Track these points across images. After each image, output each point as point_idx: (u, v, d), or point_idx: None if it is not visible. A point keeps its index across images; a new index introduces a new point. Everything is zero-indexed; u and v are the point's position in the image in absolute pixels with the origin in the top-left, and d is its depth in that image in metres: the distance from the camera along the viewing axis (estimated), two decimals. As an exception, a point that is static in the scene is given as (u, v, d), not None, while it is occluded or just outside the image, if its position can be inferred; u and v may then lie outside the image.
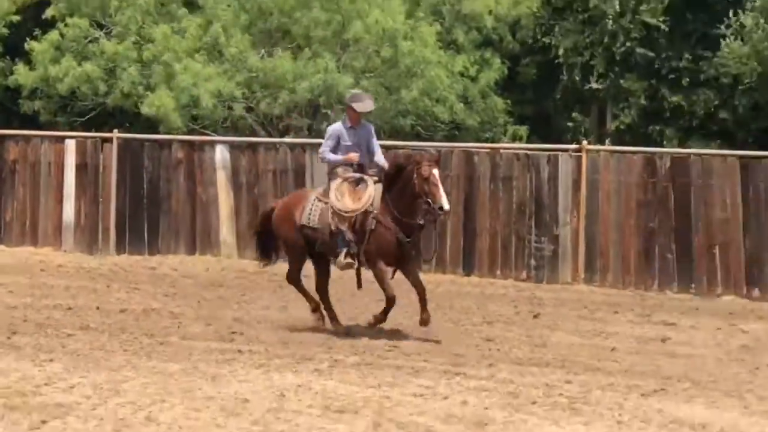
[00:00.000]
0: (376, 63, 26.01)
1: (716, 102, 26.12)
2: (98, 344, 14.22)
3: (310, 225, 14.44)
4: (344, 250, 14.11)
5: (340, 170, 14.55)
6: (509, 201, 22.31)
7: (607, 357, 14.94)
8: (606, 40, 26.18)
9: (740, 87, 25.54)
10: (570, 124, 27.19)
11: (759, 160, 21.65)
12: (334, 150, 14.69)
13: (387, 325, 15.44)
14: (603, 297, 20.99)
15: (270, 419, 10.52)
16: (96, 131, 25.22)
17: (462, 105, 26.03)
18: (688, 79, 26.46)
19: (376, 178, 14.34)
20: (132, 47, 26.38)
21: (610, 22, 26.69)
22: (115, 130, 24.29)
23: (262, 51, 26.23)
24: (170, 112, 24.78)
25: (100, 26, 27.03)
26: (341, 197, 14.14)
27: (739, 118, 26.25)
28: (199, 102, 24.97)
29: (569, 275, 22.15)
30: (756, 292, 21.01)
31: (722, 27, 25.52)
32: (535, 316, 18.59)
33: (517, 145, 25.46)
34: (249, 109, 26.11)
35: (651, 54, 25.99)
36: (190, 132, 25.63)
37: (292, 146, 23.52)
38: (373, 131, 15.14)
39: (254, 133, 25.76)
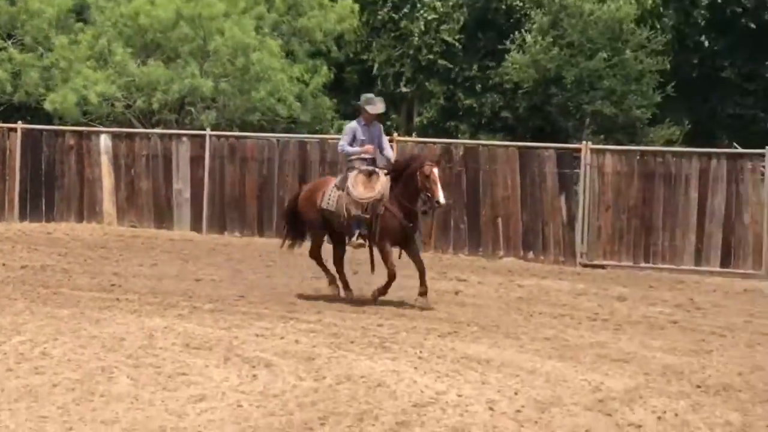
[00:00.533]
0: (231, 70, 26.26)
1: (501, 103, 26.36)
2: (3, 294, 14.55)
3: (329, 208, 14.38)
4: (357, 232, 14.13)
5: (357, 163, 14.45)
6: (337, 181, 23.40)
7: (410, 306, 15.25)
8: (413, 52, 26.43)
9: (520, 91, 25.87)
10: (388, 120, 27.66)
11: (533, 150, 22.19)
12: (351, 144, 14.61)
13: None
14: (409, 259, 22.20)
15: (141, 354, 10.85)
16: (3, 123, 25.58)
17: (298, 104, 26.30)
18: (479, 85, 26.63)
19: (386, 171, 14.26)
20: (35, 56, 26.88)
21: (416, 38, 26.90)
22: (19, 122, 24.86)
23: (140, 60, 26.44)
24: (71, 108, 25.22)
25: (9, 36, 27.36)
26: (356, 186, 14.08)
27: (518, 116, 26.60)
28: (89, 100, 25.40)
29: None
30: (530, 255, 21.64)
31: (507, 43, 25.87)
32: (355, 273, 19.01)
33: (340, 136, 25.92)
34: (128, 107, 26.34)
35: (449, 65, 26.16)
36: (81, 124, 25.91)
37: (161, 136, 24.17)
38: (382, 130, 15.08)
39: (132, 126, 25.98)
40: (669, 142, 24.93)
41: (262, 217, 23.23)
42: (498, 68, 26.15)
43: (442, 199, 13.76)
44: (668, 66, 25.44)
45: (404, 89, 26.84)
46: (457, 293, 16.88)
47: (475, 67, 26.68)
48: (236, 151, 23.76)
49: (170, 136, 24.49)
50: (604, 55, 24.79)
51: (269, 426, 8.78)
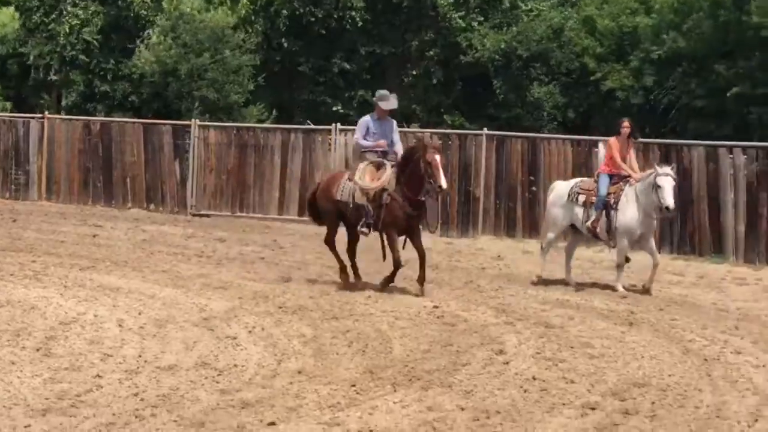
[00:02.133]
0: None
1: (130, 90, 26.11)
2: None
3: (342, 199, 12.71)
4: (362, 221, 12.44)
5: (368, 155, 12.83)
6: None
7: (59, 246, 15.45)
8: (59, 49, 25.84)
9: (145, 80, 25.48)
10: (41, 101, 26.67)
11: (154, 125, 22.48)
12: (364, 138, 12.95)
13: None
14: (57, 209, 21.37)
15: None
16: None
17: None
18: (112, 75, 26.36)
19: (393, 163, 12.52)
20: None
21: (62, 38, 25.90)
22: None
23: None
24: None
25: None
26: (364, 177, 12.49)
27: (144, 99, 25.90)
28: None
29: (36, 195, 22.76)
30: (152, 206, 21.94)
31: (137, 42, 25.87)
32: (14, 221, 18.76)
33: (6, 114, 24.78)
34: None
35: (88, 59, 25.85)
36: None
37: None
38: (395, 125, 13.19)
39: None
40: (259, 121, 25.15)
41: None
42: (128, 62, 25.96)
43: (444, 184, 12.05)
44: (258, 62, 25.80)
45: (53, 78, 26.23)
46: (94, 236, 16.86)
47: (111, 61, 26.34)
48: None
49: None
50: (210, 53, 25.07)
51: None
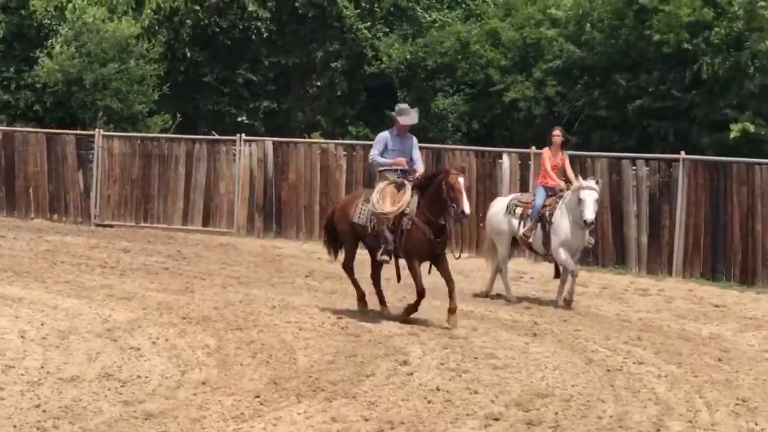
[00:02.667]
0: None
1: (33, 99, 25.27)
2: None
3: (360, 222, 11.75)
4: (383, 248, 11.40)
5: (389, 174, 11.81)
6: None
7: None
8: None
9: (48, 90, 24.97)
10: None
11: (58, 135, 22.19)
12: (381, 155, 11.89)
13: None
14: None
15: None
16: None
17: None
18: (15, 84, 25.75)
19: (413, 183, 11.58)
20: None
21: None
22: None
23: None
24: None
25: None
26: (382, 200, 11.48)
27: (47, 109, 25.17)
28: None
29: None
30: (55, 216, 21.79)
31: (38, 51, 25.28)
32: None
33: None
34: None
35: None
36: None
37: None
38: (415, 142, 12.12)
39: None
40: (164, 130, 24.83)
41: None
42: (31, 71, 25.43)
43: (467, 209, 11.10)
44: (163, 72, 25.48)
45: None
46: (-2, 247, 16.05)
47: (12, 69, 25.81)
48: None
49: None
50: (115, 63, 24.64)
51: None
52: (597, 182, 13.20)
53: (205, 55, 26.21)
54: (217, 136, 22.23)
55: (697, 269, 16.68)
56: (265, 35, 25.88)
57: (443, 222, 11.41)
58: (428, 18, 25.94)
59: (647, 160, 17.46)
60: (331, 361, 9.51)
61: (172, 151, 21.38)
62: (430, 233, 11.30)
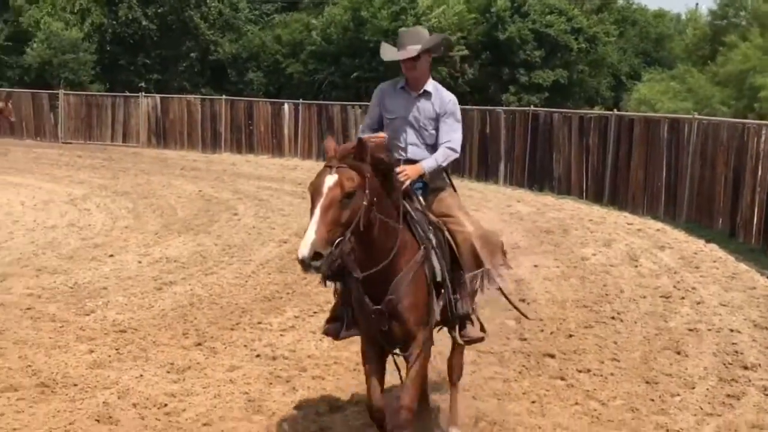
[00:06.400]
0: None
1: (23, 74, 28.98)
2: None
3: None
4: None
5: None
6: None
7: None
8: None
9: (33, 68, 28.65)
10: None
11: (38, 93, 26.76)
12: (380, 123, 5.62)
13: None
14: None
15: None
16: None
17: None
18: (13, 66, 28.66)
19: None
20: None
21: None
22: None
23: None
24: None
25: None
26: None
27: None
28: None
29: None
30: (38, 138, 25.90)
31: (24, 47, 28.53)
32: None
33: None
34: None
35: None
36: None
37: None
38: (442, 105, 5.41)
39: None
40: (98, 91, 28.62)
41: None
42: (20, 59, 29.55)
43: None
44: (97, 58, 30.25)
45: None
46: None
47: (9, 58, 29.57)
48: None
49: None
50: (70, 54, 28.51)
51: None
52: None
53: (121, 49, 34.58)
54: (129, 94, 28.50)
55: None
56: (154, 38, 34.69)
57: None
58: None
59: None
60: (196, 214, 11.87)
61: (104, 102, 28.22)
62: None
